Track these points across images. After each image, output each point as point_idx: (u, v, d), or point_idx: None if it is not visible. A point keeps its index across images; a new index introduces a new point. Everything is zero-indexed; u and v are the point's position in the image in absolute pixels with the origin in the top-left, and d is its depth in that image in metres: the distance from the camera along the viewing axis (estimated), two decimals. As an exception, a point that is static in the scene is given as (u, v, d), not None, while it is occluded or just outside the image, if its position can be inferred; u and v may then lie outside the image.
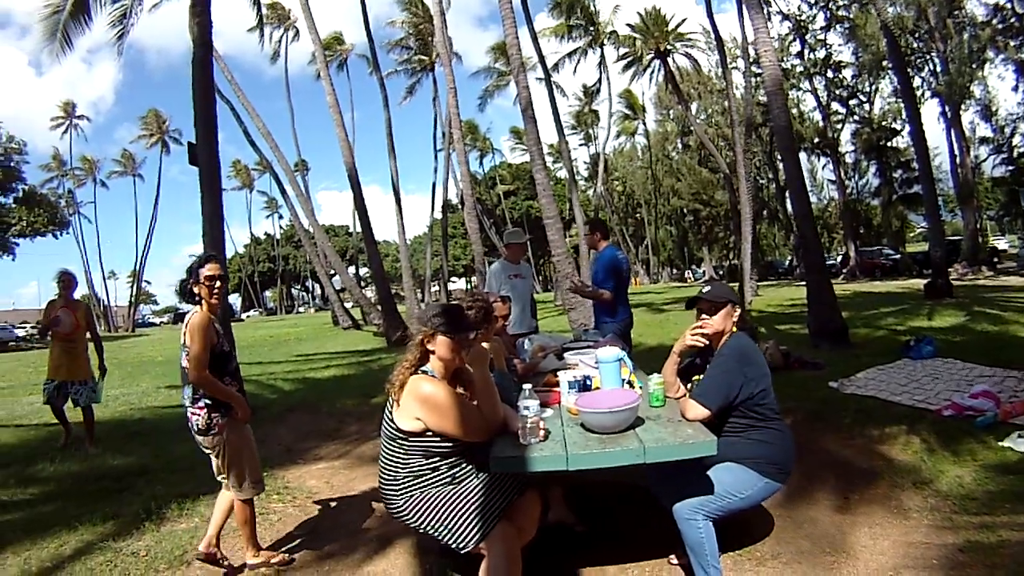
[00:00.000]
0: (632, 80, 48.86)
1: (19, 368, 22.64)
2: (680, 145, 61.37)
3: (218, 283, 3.85)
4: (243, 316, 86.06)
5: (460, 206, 50.06)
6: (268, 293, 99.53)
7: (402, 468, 3.18)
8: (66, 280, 7.61)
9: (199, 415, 3.76)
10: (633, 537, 4.02)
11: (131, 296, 72.20)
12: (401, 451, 3.18)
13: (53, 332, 7.48)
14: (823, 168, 47.58)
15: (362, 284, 48.81)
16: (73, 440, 7.78)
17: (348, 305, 34.97)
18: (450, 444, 3.15)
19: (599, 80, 49.00)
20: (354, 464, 6.49)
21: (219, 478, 4.00)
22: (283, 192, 32.21)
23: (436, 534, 3.09)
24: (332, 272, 35.92)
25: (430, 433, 3.12)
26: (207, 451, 3.90)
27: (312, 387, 12.02)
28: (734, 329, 3.56)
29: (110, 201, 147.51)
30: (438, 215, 45.89)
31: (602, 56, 45.42)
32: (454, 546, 3.03)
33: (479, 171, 71.05)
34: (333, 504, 5.35)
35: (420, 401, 3.09)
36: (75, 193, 69.91)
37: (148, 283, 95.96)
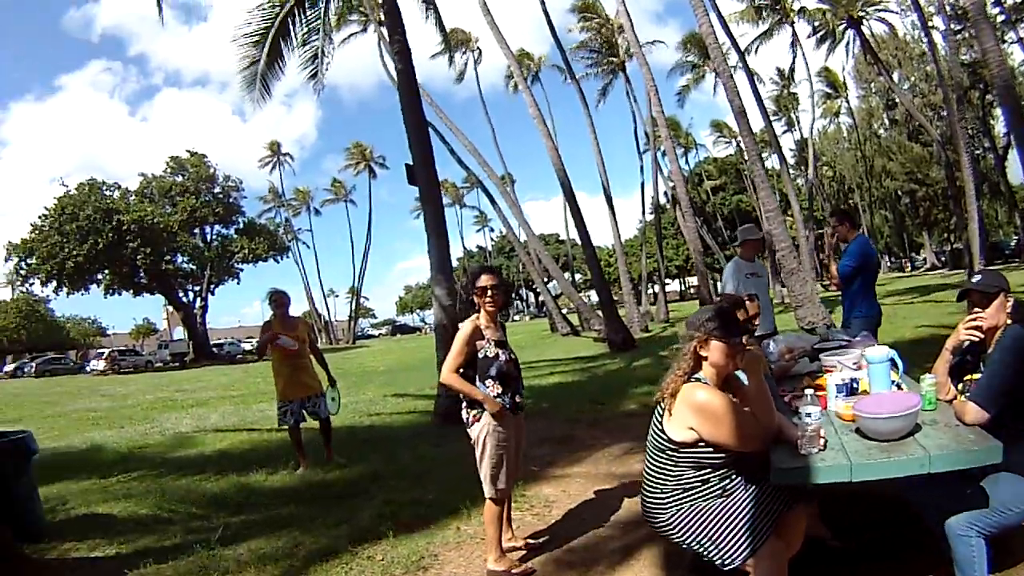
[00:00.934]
0: (828, 56, 44.76)
1: (247, 378, 24.75)
2: (887, 121, 56.86)
3: (491, 292, 4.09)
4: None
5: (668, 206, 48.75)
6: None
7: (671, 481, 3.03)
8: (277, 299, 7.37)
9: (464, 410, 4.05)
10: (890, 554, 3.61)
11: (351, 311, 77.52)
12: (670, 463, 3.03)
13: (280, 352, 7.13)
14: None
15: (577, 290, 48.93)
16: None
17: (564, 311, 34.83)
18: (722, 455, 2.97)
19: (793, 60, 45.57)
20: (589, 472, 6.21)
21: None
22: (494, 204, 32.75)
23: (702, 550, 2.92)
24: (546, 279, 35.94)
25: (703, 444, 2.95)
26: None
27: (539, 394, 11.66)
28: (1008, 322, 3.18)
29: (325, 226, 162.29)
30: (647, 216, 45.25)
31: (793, 34, 42.03)
32: (719, 563, 2.86)
33: (684, 168, 68.82)
34: (571, 512, 5.10)
35: (695, 410, 2.93)
36: (292, 221, 75.80)
37: (366, 299, 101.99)
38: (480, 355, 4.03)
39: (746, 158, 63.49)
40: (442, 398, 9.32)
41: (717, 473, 3.00)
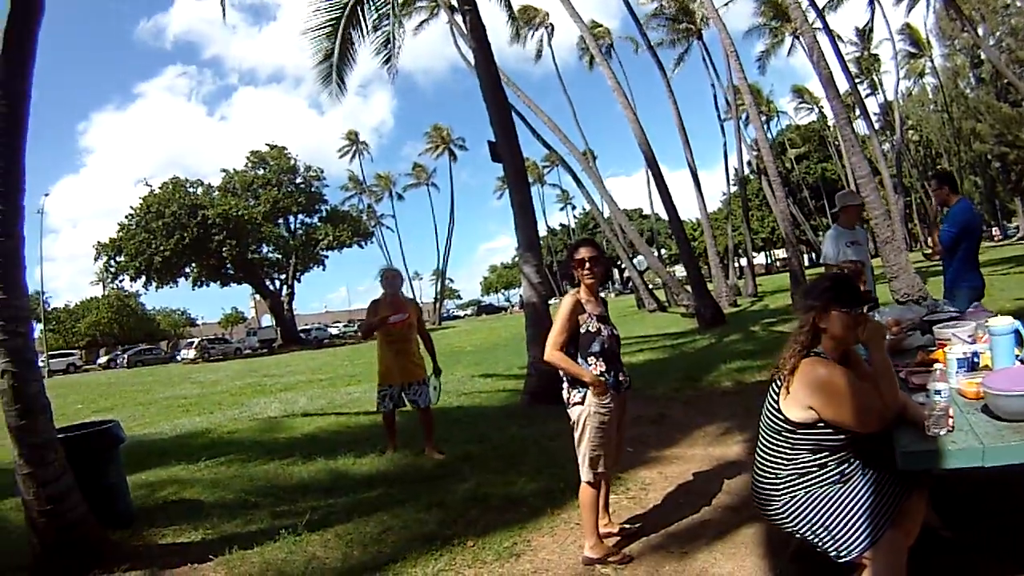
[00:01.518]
0: (908, 11, 42.91)
1: (335, 362, 25.18)
2: (973, 80, 53.37)
3: (589, 264, 3.96)
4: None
5: (751, 176, 47.23)
6: (566, 283, 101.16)
7: (786, 464, 2.85)
8: (391, 277, 6.96)
9: (564, 389, 3.90)
10: (1008, 546, 3.28)
11: (436, 293, 79.00)
12: (786, 445, 2.85)
13: (386, 333, 6.72)
14: None
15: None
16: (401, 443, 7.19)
17: (650, 288, 34.42)
18: (842, 436, 2.76)
19: (872, 18, 43.43)
20: (686, 453, 5.97)
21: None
22: (577, 182, 32.50)
23: (815, 539, 2.76)
24: (631, 255, 35.45)
25: (822, 424, 2.76)
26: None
27: (630, 372, 11.22)
28: None
29: (408, 210, 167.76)
30: (731, 188, 44.22)
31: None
32: (833, 554, 2.70)
33: (767, 137, 66.94)
34: (668, 496, 4.89)
35: (815, 387, 2.73)
36: (374, 207, 78.28)
37: (451, 280, 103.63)
38: (582, 330, 3.88)
39: (831, 124, 61.96)
40: (532, 377, 9.11)
41: (835, 457, 2.81)
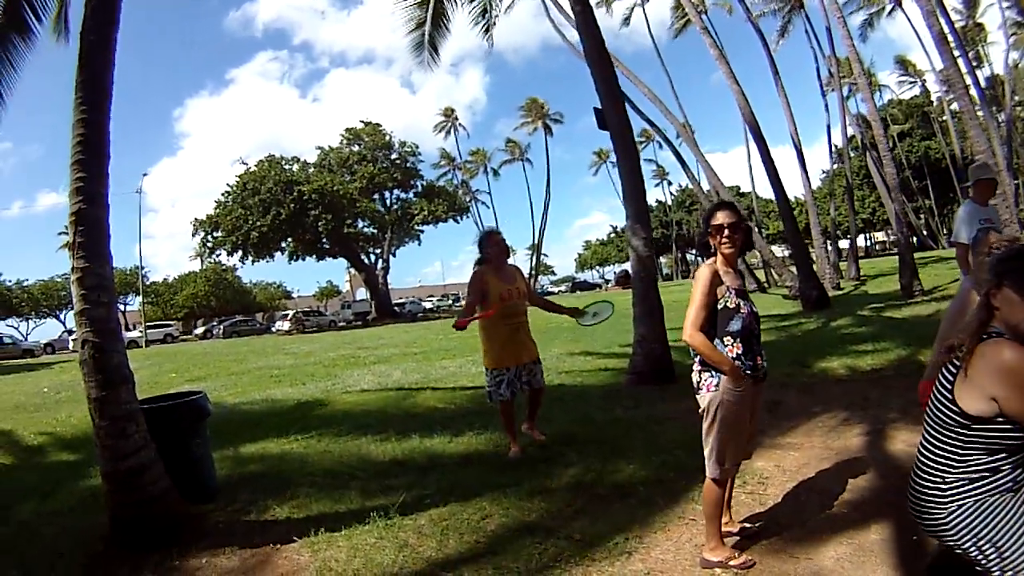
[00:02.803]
0: None
1: (428, 335, 24.98)
2: None
3: (728, 231, 3.50)
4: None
5: (853, 154, 44.99)
6: (663, 260, 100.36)
7: (957, 466, 2.47)
8: (496, 240, 5.83)
9: (695, 372, 3.49)
10: None
11: (531, 268, 78.55)
12: (958, 442, 2.45)
13: (503, 306, 5.62)
14: None
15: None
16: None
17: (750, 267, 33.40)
18: (1021, 435, 2.36)
19: None
20: (803, 444, 5.53)
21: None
22: (677, 156, 31.46)
23: (980, 556, 2.39)
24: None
25: (1001, 419, 2.35)
26: (699, 411, 3.50)
27: None
28: None
29: (503, 186, 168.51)
30: (833, 165, 42.44)
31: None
32: (998, 574, 2.35)
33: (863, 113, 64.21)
34: (789, 493, 4.49)
35: (1003, 374, 2.32)
36: (469, 183, 77.97)
37: (546, 256, 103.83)
38: (720, 306, 3.42)
39: (935, 99, 58.78)
40: (638, 356, 8.67)
41: (1011, 460, 2.43)
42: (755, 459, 5.02)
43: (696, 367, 3.49)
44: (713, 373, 3.39)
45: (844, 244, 45.20)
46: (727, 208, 3.60)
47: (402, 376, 11.87)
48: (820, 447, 5.37)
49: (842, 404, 6.51)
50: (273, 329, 52.63)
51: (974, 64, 52.39)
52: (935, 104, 61.75)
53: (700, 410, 3.50)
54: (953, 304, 4.15)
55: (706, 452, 3.48)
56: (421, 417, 7.68)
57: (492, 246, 5.80)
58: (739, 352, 3.40)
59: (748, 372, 3.37)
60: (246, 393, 11.58)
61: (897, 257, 21.68)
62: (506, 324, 5.65)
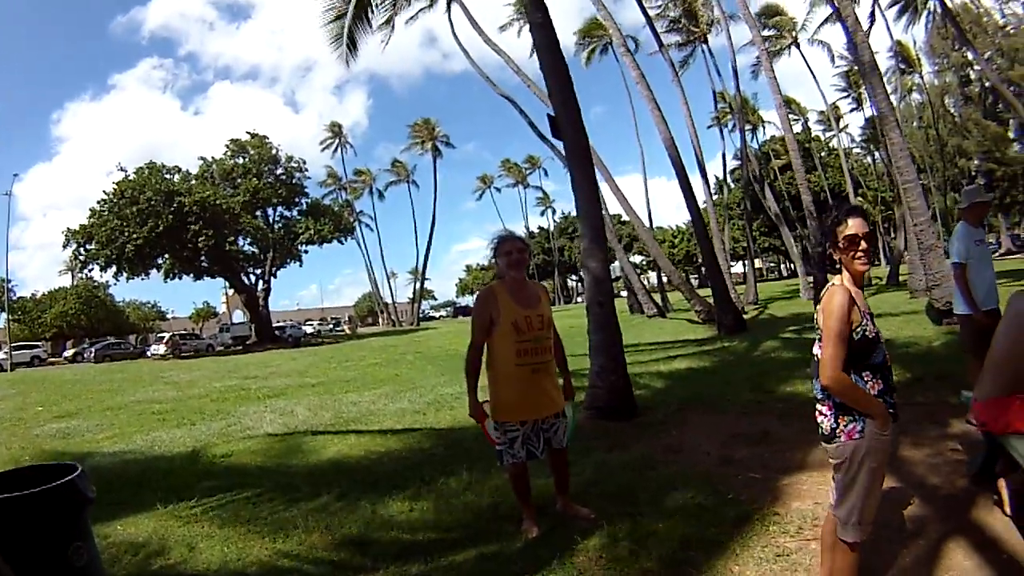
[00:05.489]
0: (908, 28, 44.55)
1: (320, 363, 23.41)
2: (960, 98, 55.59)
3: (864, 243, 2.79)
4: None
5: (731, 184, 47.68)
6: (545, 284, 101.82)
7: None
8: (519, 248, 4.36)
9: (825, 416, 2.85)
10: None
11: (414, 293, 79.25)
12: None
13: (519, 337, 4.20)
14: None
15: (638, 271, 47.45)
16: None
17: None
18: None
19: (868, 32, 43.48)
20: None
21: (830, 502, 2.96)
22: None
23: None
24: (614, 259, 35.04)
25: None
26: (832, 461, 2.88)
27: (680, 381, 10.25)
28: None
29: (384, 208, 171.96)
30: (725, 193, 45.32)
31: (874, 4, 40.17)
32: None
33: (752, 146, 68.11)
34: None
35: None
36: (352, 204, 77.10)
37: (429, 279, 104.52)
38: (855, 335, 2.72)
39: (814, 136, 62.33)
40: (599, 390, 7.71)
41: None
42: (786, 499, 4.51)
43: (827, 411, 2.85)
44: (856, 417, 2.77)
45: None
46: (859, 215, 2.86)
47: (310, 415, 10.24)
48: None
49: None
50: (148, 353, 48.79)
51: (853, 107, 61.34)
52: (814, 141, 67.38)
53: (837, 461, 2.85)
54: (1008, 326, 3.88)
55: (844, 511, 2.83)
56: (359, 471, 6.19)
57: (516, 254, 4.30)
58: (880, 389, 2.80)
59: (891, 411, 2.78)
60: (127, 436, 9.72)
61: (799, 280, 22.18)
62: (525, 362, 4.19)
